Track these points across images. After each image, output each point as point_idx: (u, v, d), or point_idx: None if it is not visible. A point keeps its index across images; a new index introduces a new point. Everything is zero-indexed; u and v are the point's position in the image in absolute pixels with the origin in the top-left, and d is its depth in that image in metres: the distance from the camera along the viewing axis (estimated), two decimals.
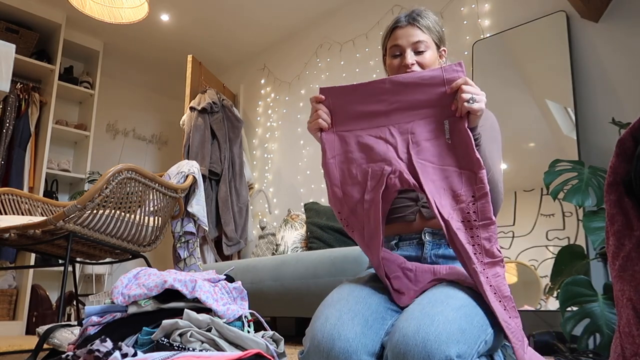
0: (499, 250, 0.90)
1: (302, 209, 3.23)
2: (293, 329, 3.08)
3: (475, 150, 0.91)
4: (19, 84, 3.53)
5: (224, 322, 1.02)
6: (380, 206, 0.93)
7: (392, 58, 1.17)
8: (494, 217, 0.90)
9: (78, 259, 2.33)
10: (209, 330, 0.99)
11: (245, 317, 1.12)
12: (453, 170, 0.93)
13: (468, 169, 0.92)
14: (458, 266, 1.00)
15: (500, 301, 0.87)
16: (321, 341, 0.84)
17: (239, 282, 1.22)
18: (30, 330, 3.13)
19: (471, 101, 0.90)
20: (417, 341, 0.76)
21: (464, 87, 0.91)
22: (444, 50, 1.19)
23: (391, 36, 1.17)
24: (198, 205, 2.63)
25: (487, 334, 0.84)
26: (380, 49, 1.25)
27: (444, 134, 0.94)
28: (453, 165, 0.93)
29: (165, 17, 3.69)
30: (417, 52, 1.13)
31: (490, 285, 0.88)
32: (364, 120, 0.99)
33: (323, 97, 1.02)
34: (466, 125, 0.92)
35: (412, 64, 1.13)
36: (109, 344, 0.77)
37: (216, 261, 3.20)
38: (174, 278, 1.09)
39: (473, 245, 0.89)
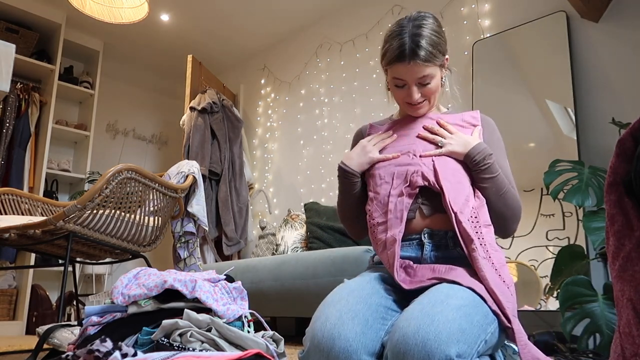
0: (500, 247, 1.01)
1: (302, 209, 3.23)
2: (293, 329, 3.08)
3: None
4: (19, 84, 3.53)
5: (224, 322, 1.02)
6: (405, 198, 1.06)
7: (395, 87, 1.16)
8: (491, 222, 1.07)
9: (78, 259, 2.33)
10: (209, 330, 0.99)
11: (245, 317, 1.12)
12: (465, 181, 1.09)
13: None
14: (458, 267, 1.00)
15: (500, 275, 0.96)
16: (321, 341, 0.84)
17: (239, 282, 1.22)
18: (30, 330, 3.13)
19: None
20: (417, 341, 0.76)
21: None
22: (447, 59, 1.17)
23: (392, 67, 1.12)
24: (198, 205, 2.63)
25: (487, 333, 0.84)
26: (380, 50, 1.22)
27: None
28: (465, 177, 1.10)
29: (165, 17, 3.69)
30: (422, 84, 1.13)
31: (492, 264, 0.97)
32: (397, 139, 1.21)
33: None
34: (474, 126, 1.20)
35: (419, 102, 1.15)
36: (109, 344, 0.77)
37: (216, 261, 3.20)
38: (174, 278, 1.09)
39: (478, 238, 0.99)
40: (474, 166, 1.10)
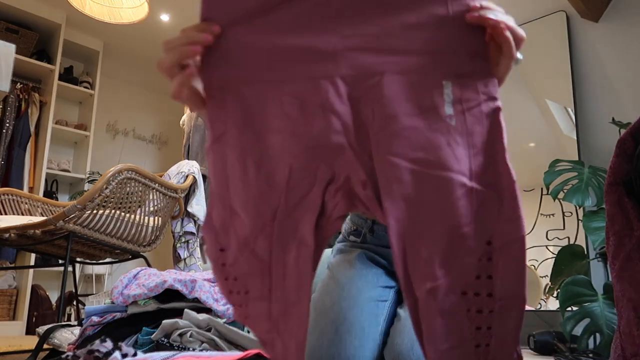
0: None
1: None
2: None
3: (505, 147, 0.48)
4: (19, 84, 3.53)
5: (224, 322, 1.02)
6: (312, 249, 0.49)
7: None
8: (526, 292, 0.51)
9: (78, 259, 2.33)
10: (209, 330, 0.99)
11: None
12: (456, 182, 0.47)
13: (486, 184, 0.48)
14: None
15: None
16: None
17: None
18: (30, 330, 3.13)
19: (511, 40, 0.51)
20: (413, 358, 0.76)
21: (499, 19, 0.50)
22: None
23: None
24: (198, 206, 2.63)
25: None
26: None
27: (440, 105, 0.48)
28: (455, 172, 0.47)
29: (165, 17, 3.69)
30: None
31: None
32: (287, 62, 0.50)
33: (211, 23, 0.51)
34: (493, 89, 0.50)
35: None
36: (109, 344, 0.77)
37: None
38: (174, 278, 1.09)
39: (477, 346, 0.47)
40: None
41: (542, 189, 2.23)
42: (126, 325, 1.06)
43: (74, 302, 3.05)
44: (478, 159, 0.48)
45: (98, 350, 0.74)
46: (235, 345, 0.99)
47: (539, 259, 2.15)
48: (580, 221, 2.08)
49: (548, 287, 2.05)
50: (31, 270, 3.23)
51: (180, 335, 0.96)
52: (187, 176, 2.46)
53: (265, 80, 0.50)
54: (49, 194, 3.67)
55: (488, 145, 0.48)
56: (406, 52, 0.49)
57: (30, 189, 3.41)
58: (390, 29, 0.49)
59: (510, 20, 0.52)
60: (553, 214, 2.18)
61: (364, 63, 0.49)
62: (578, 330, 1.63)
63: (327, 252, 1.04)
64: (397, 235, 0.47)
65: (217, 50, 0.51)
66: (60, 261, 2.49)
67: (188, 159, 2.88)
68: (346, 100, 0.49)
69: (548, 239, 2.16)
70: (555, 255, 1.90)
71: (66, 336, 1.34)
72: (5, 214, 2.26)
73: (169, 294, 1.09)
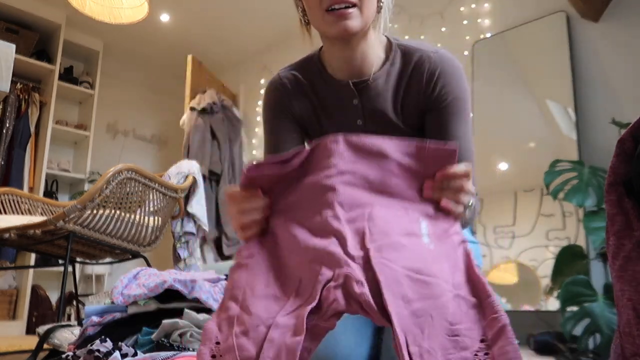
0: None
1: None
2: None
3: (477, 270, 0.60)
4: (19, 84, 3.53)
5: None
6: (301, 345, 0.52)
7: None
8: None
9: (78, 259, 2.33)
10: None
11: None
12: (445, 288, 0.56)
13: (467, 292, 0.58)
14: None
15: None
16: None
17: None
18: (30, 330, 3.13)
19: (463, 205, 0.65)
20: None
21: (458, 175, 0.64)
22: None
23: None
24: (198, 206, 2.63)
25: None
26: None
27: (420, 235, 0.62)
28: (443, 280, 0.57)
29: (165, 17, 3.69)
30: None
31: None
32: (301, 199, 0.67)
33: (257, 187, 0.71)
34: (457, 228, 0.64)
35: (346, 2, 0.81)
36: (109, 344, 0.77)
37: (216, 261, 3.20)
38: (174, 278, 1.09)
39: None
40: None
41: (542, 189, 2.23)
42: (126, 325, 1.06)
43: (74, 302, 3.05)
44: (457, 274, 0.58)
45: (98, 350, 0.75)
46: None
47: (539, 259, 2.15)
48: (580, 221, 2.08)
49: (548, 287, 2.05)
50: (31, 270, 3.23)
51: (180, 335, 0.96)
52: (187, 176, 2.46)
53: (288, 216, 0.67)
54: (49, 194, 3.67)
55: (462, 265, 0.60)
56: (391, 194, 0.64)
57: (30, 189, 3.41)
58: (379, 175, 0.64)
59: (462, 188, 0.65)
60: (553, 214, 2.18)
61: (357, 197, 0.63)
62: (578, 330, 1.63)
63: None
64: (400, 329, 0.52)
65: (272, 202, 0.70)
66: (60, 261, 2.49)
67: (188, 159, 2.88)
68: (344, 222, 0.61)
69: (548, 239, 2.16)
70: (555, 255, 1.90)
71: (66, 336, 1.34)
72: (5, 214, 2.26)
73: (169, 294, 1.09)
